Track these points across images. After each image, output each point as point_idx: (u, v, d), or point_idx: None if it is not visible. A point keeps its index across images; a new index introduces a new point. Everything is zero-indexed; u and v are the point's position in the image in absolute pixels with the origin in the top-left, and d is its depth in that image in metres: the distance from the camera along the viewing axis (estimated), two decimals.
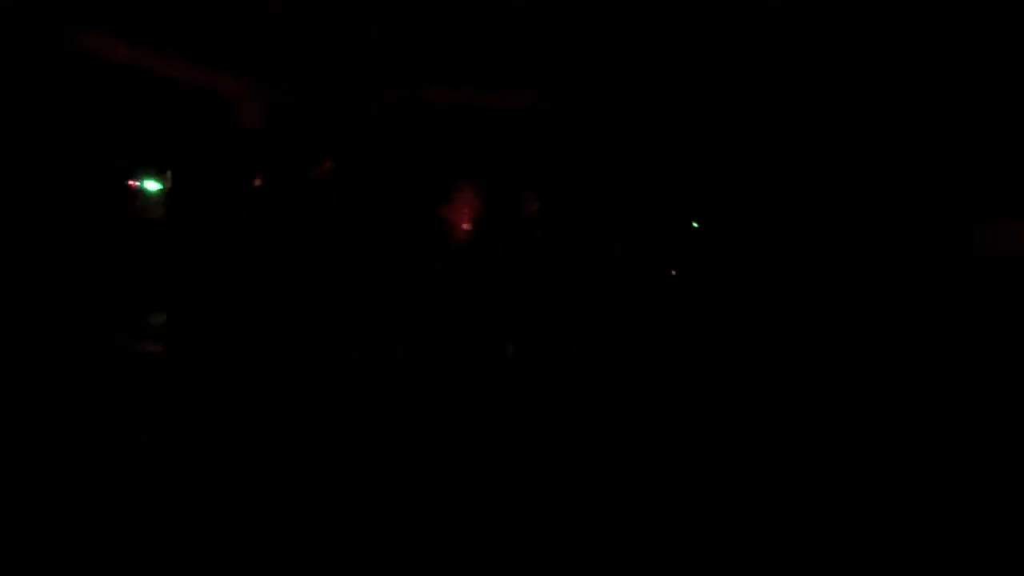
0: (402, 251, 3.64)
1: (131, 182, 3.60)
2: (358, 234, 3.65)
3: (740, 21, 3.71)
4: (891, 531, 2.88)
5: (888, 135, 3.96)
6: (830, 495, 3.09)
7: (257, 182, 3.73)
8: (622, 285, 3.75)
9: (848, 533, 2.84)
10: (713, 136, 4.05)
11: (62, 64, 3.43)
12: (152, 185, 3.64)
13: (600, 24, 3.80)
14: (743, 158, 4.03)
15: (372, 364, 3.41)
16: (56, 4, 3.36)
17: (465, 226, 3.68)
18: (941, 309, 3.71)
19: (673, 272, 3.94)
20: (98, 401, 3.08)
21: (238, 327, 3.41)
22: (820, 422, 3.45)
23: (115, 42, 3.61)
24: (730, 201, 4.01)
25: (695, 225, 3.85)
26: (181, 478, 2.91)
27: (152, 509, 2.74)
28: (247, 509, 2.81)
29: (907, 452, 3.32)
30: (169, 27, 3.62)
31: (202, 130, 3.77)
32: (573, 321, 3.60)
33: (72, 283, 3.24)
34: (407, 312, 3.51)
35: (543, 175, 3.88)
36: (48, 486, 2.78)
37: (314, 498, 2.88)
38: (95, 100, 3.50)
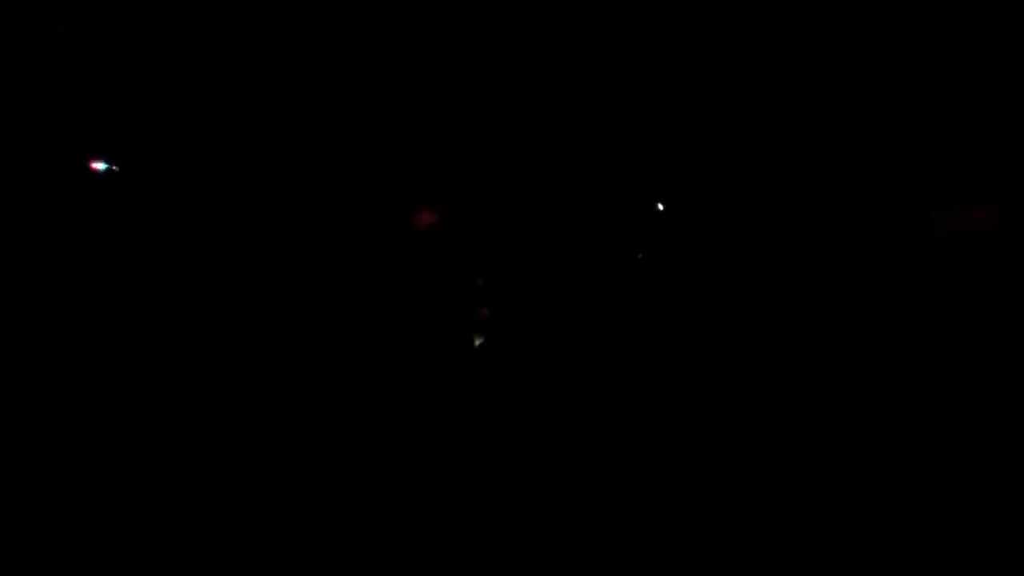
0: (374, 250, 3.66)
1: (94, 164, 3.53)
2: (333, 232, 3.67)
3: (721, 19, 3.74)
4: (829, 521, 2.90)
5: (847, 115, 3.93)
6: (792, 485, 3.10)
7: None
8: (592, 286, 3.76)
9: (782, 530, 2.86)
10: (690, 127, 4.04)
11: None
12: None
13: (587, 18, 3.83)
14: (717, 150, 4.02)
15: (342, 362, 3.43)
16: None
17: (435, 224, 3.70)
18: (898, 294, 3.70)
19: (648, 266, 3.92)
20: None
21: (208, 323, 3.42)
22: (783, 410, 3.45)
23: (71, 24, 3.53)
24: (700, 193, 3.99)
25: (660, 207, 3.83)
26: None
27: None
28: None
29: (867, 441, 3.32)
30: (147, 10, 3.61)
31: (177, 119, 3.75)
32: (547, 321, 3.62)
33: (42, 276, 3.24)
34: (375, 311, 3.53)
35: (521, 172, 3.89)
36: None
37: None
38: (62, 87, 3.47)
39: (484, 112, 4.01)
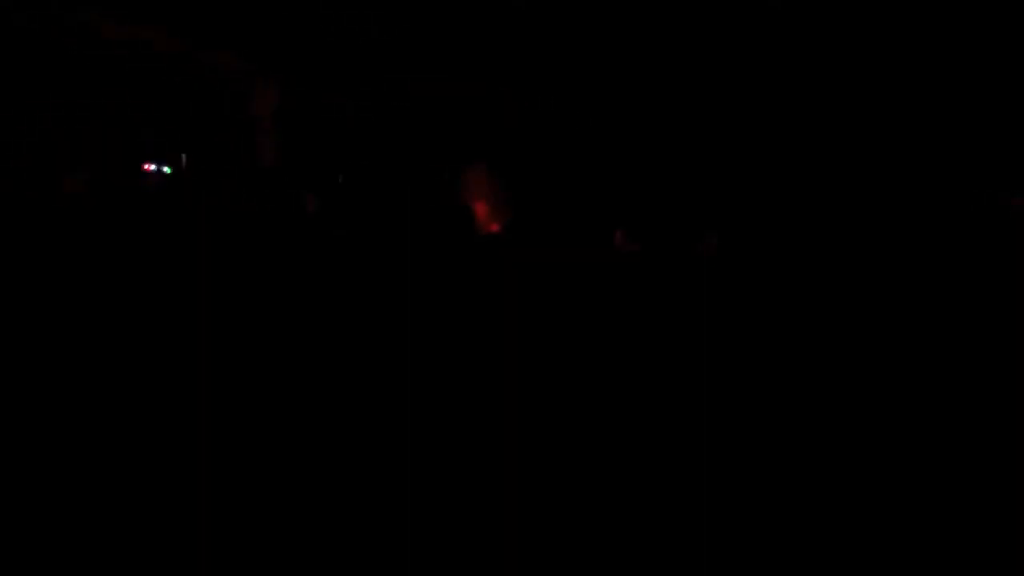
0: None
1: (146, 165, 3.56)
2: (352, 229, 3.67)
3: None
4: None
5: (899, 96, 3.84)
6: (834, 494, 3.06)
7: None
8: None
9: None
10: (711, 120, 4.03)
11: (59, 41, 3.42)
12: (166, 169, 3.61)
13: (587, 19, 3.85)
14: (732, 147, 4.00)
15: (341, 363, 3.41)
16: None
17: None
18: (965, 293, 3.50)
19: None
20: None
21: (244, 317, 3.40)
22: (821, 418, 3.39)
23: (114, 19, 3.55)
24: (714, 192, 3.96)
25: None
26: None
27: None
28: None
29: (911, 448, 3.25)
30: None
31: (216, 115, 3.79)
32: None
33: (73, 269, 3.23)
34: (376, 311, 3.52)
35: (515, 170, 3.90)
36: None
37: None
38: (99, 80, 3.49)
39: (484, 112, 4.03)
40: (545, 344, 3.49)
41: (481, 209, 3.57)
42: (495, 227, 3.58)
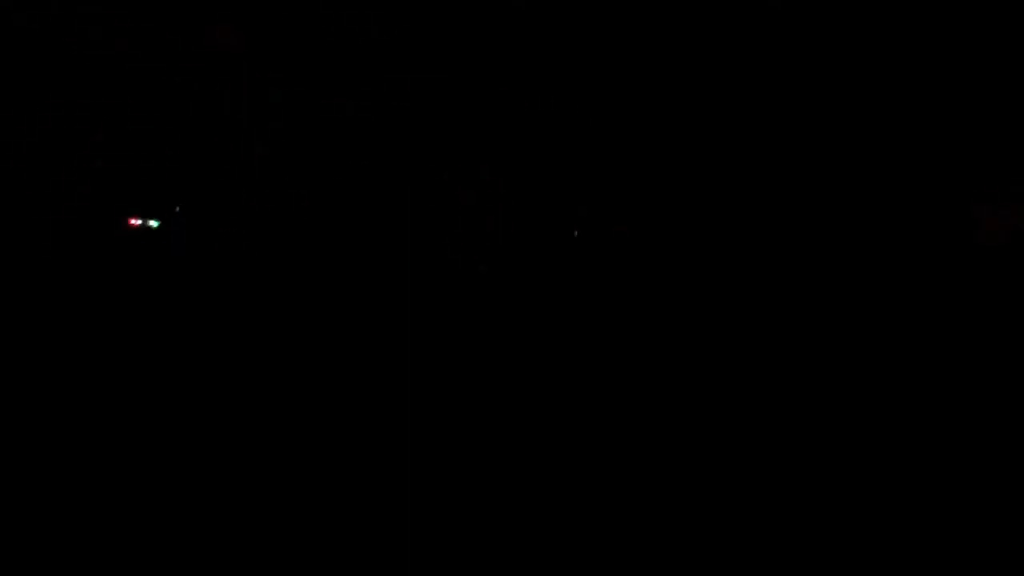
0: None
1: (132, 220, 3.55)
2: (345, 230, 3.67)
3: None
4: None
5: (870, 100, 3.83)
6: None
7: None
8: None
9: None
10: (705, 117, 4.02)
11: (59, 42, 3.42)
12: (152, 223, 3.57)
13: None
14: (728, 148, 3.99)
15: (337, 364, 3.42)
16: None
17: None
18: (932, 302, 3.55)
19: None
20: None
21: (198, 328, 3.41)
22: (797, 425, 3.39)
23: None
24: (708, 194, 3.94)
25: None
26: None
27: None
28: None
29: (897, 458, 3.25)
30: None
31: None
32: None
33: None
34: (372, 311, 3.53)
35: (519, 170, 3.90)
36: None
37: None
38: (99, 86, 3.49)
39: (484, 112, 4.02)
40: (545, 342, 3.49)
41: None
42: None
